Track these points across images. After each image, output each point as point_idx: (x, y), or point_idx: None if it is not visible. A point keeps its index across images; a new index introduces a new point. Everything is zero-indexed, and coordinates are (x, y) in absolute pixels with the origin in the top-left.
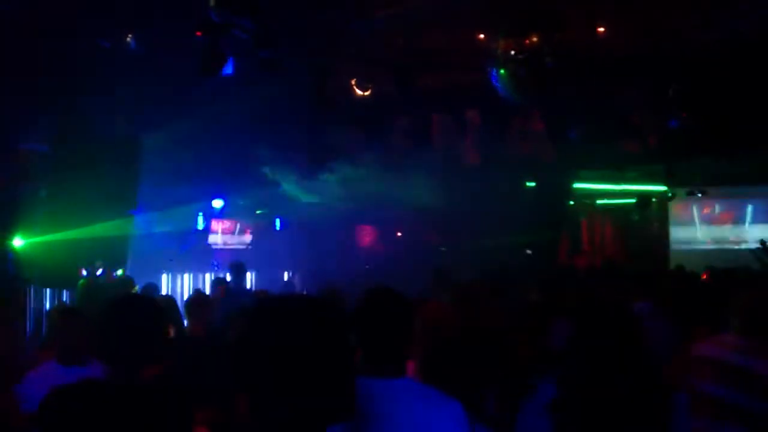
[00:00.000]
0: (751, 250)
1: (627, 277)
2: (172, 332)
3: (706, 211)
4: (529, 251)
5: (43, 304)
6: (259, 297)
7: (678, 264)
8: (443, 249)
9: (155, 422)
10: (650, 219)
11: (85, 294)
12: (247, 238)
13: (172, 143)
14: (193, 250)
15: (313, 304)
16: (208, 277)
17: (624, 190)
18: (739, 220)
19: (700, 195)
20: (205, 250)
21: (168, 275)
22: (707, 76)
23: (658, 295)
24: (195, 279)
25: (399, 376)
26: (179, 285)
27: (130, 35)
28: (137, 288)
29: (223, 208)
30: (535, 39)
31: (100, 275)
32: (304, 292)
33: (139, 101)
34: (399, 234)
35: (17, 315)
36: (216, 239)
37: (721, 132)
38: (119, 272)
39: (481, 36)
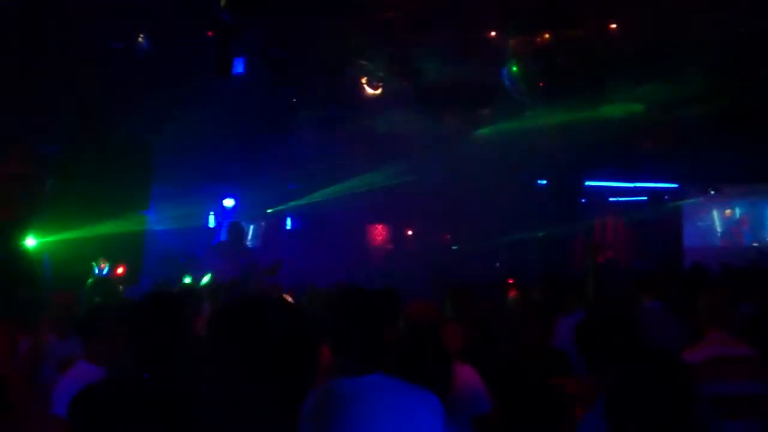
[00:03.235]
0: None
1: (635, 275)
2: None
3: (727, 213)
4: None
5: None
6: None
7: (694, 262)
8: (455, 247)
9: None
10: (663, 217)
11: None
12: None
13: (183, 142)
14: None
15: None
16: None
17: (636, 187)
18: (759, 218)
19: (713, 192)
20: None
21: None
22: (722, 71)
23: (667, 293)
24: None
25: (369, 372)
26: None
27: (141, 36)
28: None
29: (234, 207)
30: (546, 36)
31: (106, 273)
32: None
33: (151, 101)
34: (410, 233)
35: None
36: None
37: (736, 128)
38: (119, 270)
39: (493, 33)
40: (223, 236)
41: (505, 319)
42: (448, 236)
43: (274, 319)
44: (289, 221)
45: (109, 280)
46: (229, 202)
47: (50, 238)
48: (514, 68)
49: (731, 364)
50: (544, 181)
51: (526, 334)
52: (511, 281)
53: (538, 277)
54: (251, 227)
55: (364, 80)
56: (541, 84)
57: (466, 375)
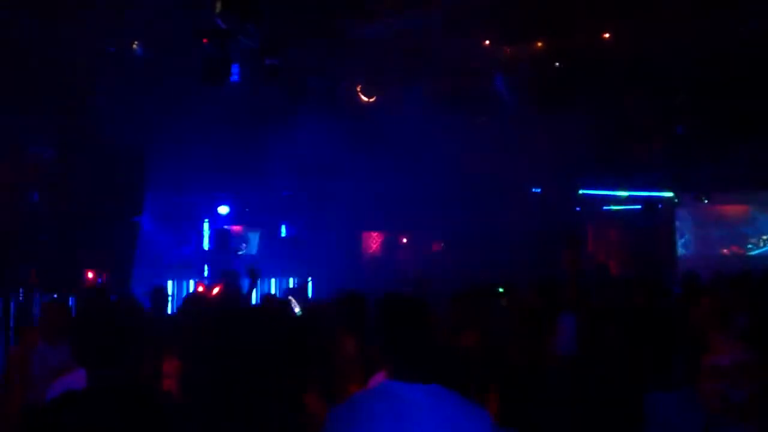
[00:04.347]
0: None
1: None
2: None
3: (720, 221)
4: None
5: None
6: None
7: (689, 271)
8: (448, 256)
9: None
10: (657, 225)
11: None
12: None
13: (178, 148)
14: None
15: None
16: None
17: (630, 195)
18: (752, 226)
19: (706, 201)
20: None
21: (173, 282)
22: (715, 80)
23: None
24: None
25: (429, 381)
26: (185, 292)
27: (136, 42)
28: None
29: (229, 214)
30: (540, 45)
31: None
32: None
33: (146, 107)
34: (404, 240)
35: None
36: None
37: (729, 136)
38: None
39: (487, 42)
40: (210, 244)
41: (500, 325)
42: (442, 244)
43: (252, 331)
44: (284, 228)
45: (103, 289)
46: (223, 210)
47: (43, 243)
48: (508, 77)
49: (740, 369)
50: (539, 190)
51: (523, 339)
52: (502, 289)
53: (537, 282)
54: (255, 235)
55: (359, 88)
56: (534, 92)
57: None
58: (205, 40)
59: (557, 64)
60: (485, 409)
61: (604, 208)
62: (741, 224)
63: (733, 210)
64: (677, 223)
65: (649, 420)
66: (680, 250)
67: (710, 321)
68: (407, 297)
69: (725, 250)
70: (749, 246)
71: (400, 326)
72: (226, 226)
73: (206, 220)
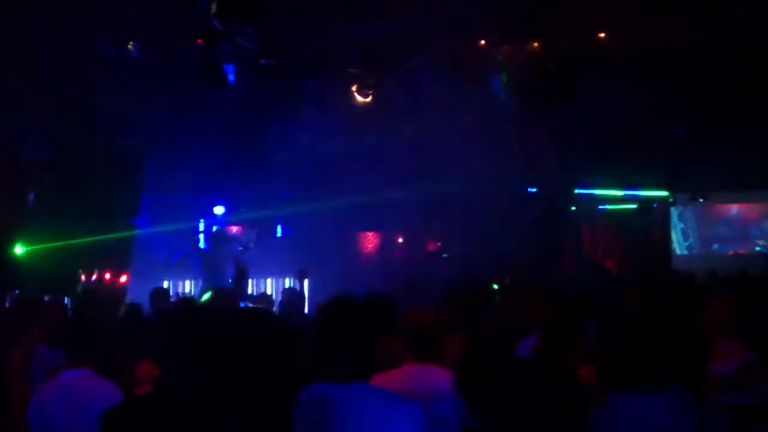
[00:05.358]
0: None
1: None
2: None
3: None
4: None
5: None
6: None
7: (685, 271)
8: (445, 255)
9: None
10: (652, 224)
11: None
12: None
13: (174, 149)
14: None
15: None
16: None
17: (626, 195)
18: (747, 226)
19: (702, 200)
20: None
21: (169, 282)
22: (710, 80)
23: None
24: (197, 286)
25: (356, 380)
26: (180, 292)
27: (131, 43)
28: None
29: (224, 214)
30: (536, 45)
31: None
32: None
33: (142, 108)
34: (400, 240)
35: None
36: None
37: (724, 136)
38: (122, 279)
39: (483, 42)
40: (205, 244)
41: (495, 324)
42: (438, 243)
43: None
44: (279, 229)
45: (99, 289)
46: (219, 210)
47: (38, 246)
48: (504, 77)
49: (749, 373)
50: (535, 189)
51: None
52: (496, 286)
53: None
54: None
55: (354, 88)
56: (530, 92)
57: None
58: (200, 41)
59: (553, 63)
60: (416, 404)
61: (600, 207)
62: (736, 224)
63: (728, 210)
64: (681, 225)
65: (640, 422)
66: (684, 252)
67: (717, 324)
68: (337, 299)
69: (720, 250)
70: (758, 248)
71: (323, 328)
72: (216, 227)
73: (202, 220)
